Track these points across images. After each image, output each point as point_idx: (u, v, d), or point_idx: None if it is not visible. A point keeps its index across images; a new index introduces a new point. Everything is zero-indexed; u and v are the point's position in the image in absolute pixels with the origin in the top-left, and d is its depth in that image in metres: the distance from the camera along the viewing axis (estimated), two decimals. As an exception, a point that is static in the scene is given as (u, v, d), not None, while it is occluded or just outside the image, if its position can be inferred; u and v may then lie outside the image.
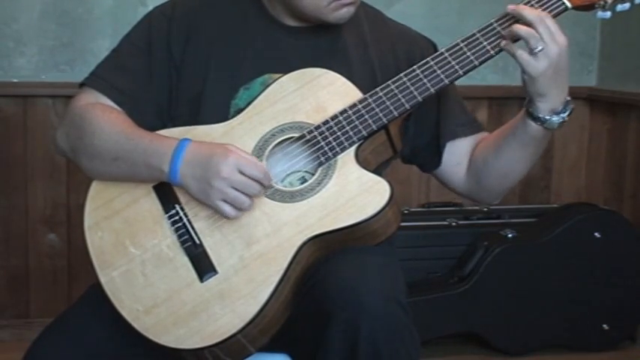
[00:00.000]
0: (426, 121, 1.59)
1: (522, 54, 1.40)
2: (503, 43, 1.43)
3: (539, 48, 1.39)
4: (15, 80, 2.93)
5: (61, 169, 2.96)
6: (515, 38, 1.42)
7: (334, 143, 1.44)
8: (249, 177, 1.40)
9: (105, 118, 1.50)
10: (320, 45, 1.55)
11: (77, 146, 1.52)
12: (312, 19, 1.52)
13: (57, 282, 3.02)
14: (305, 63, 1.50)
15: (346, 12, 1.51)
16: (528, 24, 1.40)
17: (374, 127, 1.45)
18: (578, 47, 3.31)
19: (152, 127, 1.51)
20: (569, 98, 1.46)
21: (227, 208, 1.40)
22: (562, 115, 1.45)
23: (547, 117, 1.45)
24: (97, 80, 1.56)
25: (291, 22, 1.56)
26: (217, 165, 1.39)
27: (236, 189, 1.39)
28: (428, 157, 1.63)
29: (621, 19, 1.52)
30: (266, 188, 1.42)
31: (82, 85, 1.58)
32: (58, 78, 2.93)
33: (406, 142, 1.60)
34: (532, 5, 1.44)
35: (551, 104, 1.44)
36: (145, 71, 1.54)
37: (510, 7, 1.43)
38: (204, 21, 1.56)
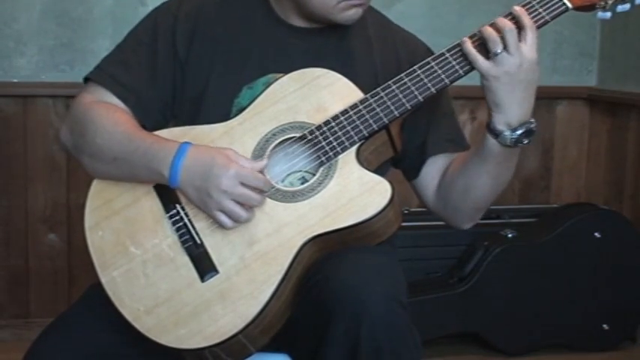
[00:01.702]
0: (416, 129, 1.58)
1: (476, 55, 1.40)
2: (464, 39, 1.42)
3: (497, 51, 1.39)
4: (15, 80, 2.93)
5: (61, 169, 2.96)
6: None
7: (335, 143, 1.44)
8: (251, 188, 1.39)
9: (108, 117, 1.50)
10: (325, 46, 1.55)
11: (79, 144, 1.52)
12: (320, 18, 1.52)
13: (57, 282, 3.02)
14: (309, 64, 1.50)
15: (354, 13, 1.50)
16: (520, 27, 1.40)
17: (375, 127, 1.45)
18: (578, 47, 3.31)
19: (155, 123, 1.52)
20: (532, 120, 1.43)
21: (223, 219, 1.40)
22: (516, 132, 1.42)
23: (500, 129, 1.43)
24: (102, 75, 1.56)
25: (298, 23, 1.56)
26: (218, 177, 1.38)
27: (235, 201, 1.39)
28: (410, 166, 1.61)
29: (621, 19, 1.52)
30: (266, 194, 1.42)
31: (86, 79, 1.58)
32: (58, 78, 2.93)
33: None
34: (533, 6, 1.44)
35: (506, 117, 1.42)
36: (150, 68, 1.54)
37: (516, 8, 1.43)
38: (210, 19, 1.56)
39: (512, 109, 1.42)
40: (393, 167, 1.64)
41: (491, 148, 1.45)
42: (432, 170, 1.59)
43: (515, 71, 1.39)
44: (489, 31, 1.40)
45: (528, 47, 1.39)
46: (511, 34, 1.39)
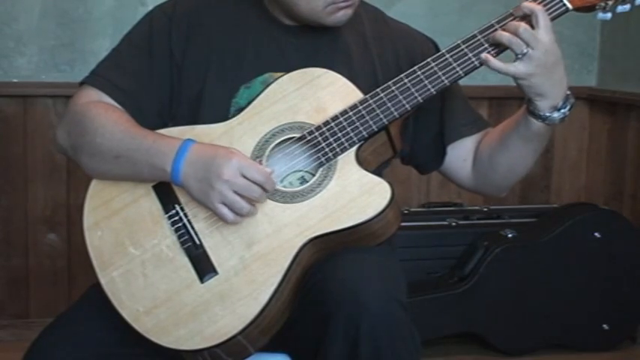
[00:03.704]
0: (428, 120, 1.59)
1: (503, 66, 1.41)
2: (483, 56, 1.43)
3: (524, 52, 1.40)
4: (15, 80, 2.93)
5: (61, 169, 2.96)
6: (502, 45, 1.42)
7: (335, 144, 1.44)
8: (252, 180, 1.39)
9: (107, 116, 1.50)
10: (321, 44, 1.55)
11: (78, 144, 1.52)
12: (309, 22, 1.52)
13: (57, 282, 3.02)
14: (305, 62, 1.50)
15: (343, 15, 1.50)
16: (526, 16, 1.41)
17: (374, 127, 1.45)
18: (578, 47, 3.31)
19: (153, 125, 1.51)
20: (569, 92, 1.46)
21: (225, 211, 1.40)
22: (562, 110, 1.45)
23: (548, 114, 1.45)
24: (98, 79, 1.56)
25: (290, 23, 1.56)
26: (220, 167, 1.39)
27: (237, 192, 1.39)
28: (430, 157, 1.63)
29: (621, 19, 1.52)
30: (268, 192, 1.42)
31: (82, 84, 1.58)
32: (58, 78, 2.93)
33: (406, 142, 1.60)
34: (533, 5, 1.44)
35: (551, 101, 1.44)
36: (146, 70, 1.54)
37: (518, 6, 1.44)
38: (205, 20, 1.56)
39: (555, 91, 1.44)
40: (407, 164, 1.64)
41: (538, 131, 1.48)
42: (462, 153, 1.61)
43: (545, 59, 1.41)
44: (508, 36, 1.41)
45: (544, 32, 1.40)
46: (526, 31, 1.40)
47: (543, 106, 1.45)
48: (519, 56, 1.40)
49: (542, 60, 1.40)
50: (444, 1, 3.20)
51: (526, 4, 1.42)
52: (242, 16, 1.57)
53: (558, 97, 1.45)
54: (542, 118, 1.46)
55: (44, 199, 2.98)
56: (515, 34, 1.40)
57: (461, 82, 1.50)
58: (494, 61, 1.42)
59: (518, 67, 1.41)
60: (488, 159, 1.57)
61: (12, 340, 2.95)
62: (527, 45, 1.40)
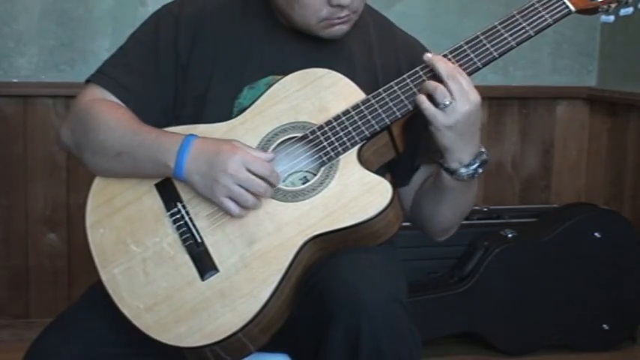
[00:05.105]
0: (409, 136, 1.58)
1: (429, 108, 1.40)
2: (417, 96, 1.42)
3: (447, 103, 1.39)
4: (15, 80, 2.93)
5: (61, 169, 2.96)
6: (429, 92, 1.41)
7: (337, 143, 1.44)
8: (256, 175, 1.39)
9: (110, 113, 1.50)
10: (324, 50, 1.55)
11: (81, 141, 1.52)
12: (306, 32, 1.52)
13: (57, 282, 3.02)
14: (309, 65, 1.50)
15: (338, 30, 1.50)
16: (440, 79, 1.40)
17: (376, 127, 1.45)
18: (578, 47, 3.31)
19: (157, 125, 1.51)
20: (482, 149, 1.46)
21: (232, 205, 1.40)
22: (471, 167, 1.44)
23: (454, 168, 1.45)
24: (103, 77, 1.56)
25: (293, 27, 1.56)
26: (224, 161, 1.39)
27: (241, 186, 1.39)
28: (400, 172, 1.60)
29: (621, 19, 1.53)
30: (273, 186, 1.42)
31: (87, 81, 1.58)
32: (58, 78, 2.93)
33: None
34: (536, 8, 1.45)
35: (459, 157, 1.44)
36: (152, 70, 1.54)
37: (427, 56, 1.43)
38: (211, 21, 1.56)
39: (465, 148, 1.43)
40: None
41: (448, 184, 1.48)
42: (417, 180, 1.60)
43: (467, 117, 1.40)
44: (434, 84, 1.40)
45: (472, 90, 1.40)
46: (454, 82, 1.39)
47: (451, 159, 1.44)
48: (441, 106, 1.40)
49: (464, 116, 1.40)
50: (444, 1, 3.20)
51: (444, 66, 1.40)
52: (248, 17, 1.57)
53: (467, 155, 1.44)
54: (450, 172, 1.45)
55: (44, 199, 2.98)
56: (445, 83, 1.39)
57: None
58: (427, 105, 1.40)
59: (437, 116, 1.40)
60: (419, 199, 1.57)
61: (12, 340, 2.95)
62: (451, 96, 1.39)
